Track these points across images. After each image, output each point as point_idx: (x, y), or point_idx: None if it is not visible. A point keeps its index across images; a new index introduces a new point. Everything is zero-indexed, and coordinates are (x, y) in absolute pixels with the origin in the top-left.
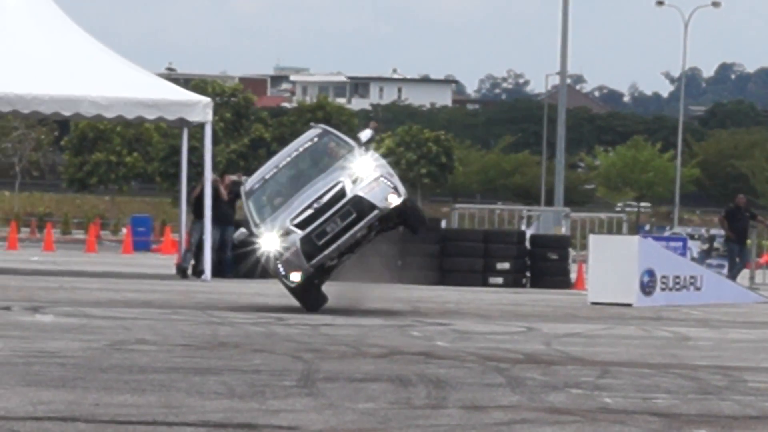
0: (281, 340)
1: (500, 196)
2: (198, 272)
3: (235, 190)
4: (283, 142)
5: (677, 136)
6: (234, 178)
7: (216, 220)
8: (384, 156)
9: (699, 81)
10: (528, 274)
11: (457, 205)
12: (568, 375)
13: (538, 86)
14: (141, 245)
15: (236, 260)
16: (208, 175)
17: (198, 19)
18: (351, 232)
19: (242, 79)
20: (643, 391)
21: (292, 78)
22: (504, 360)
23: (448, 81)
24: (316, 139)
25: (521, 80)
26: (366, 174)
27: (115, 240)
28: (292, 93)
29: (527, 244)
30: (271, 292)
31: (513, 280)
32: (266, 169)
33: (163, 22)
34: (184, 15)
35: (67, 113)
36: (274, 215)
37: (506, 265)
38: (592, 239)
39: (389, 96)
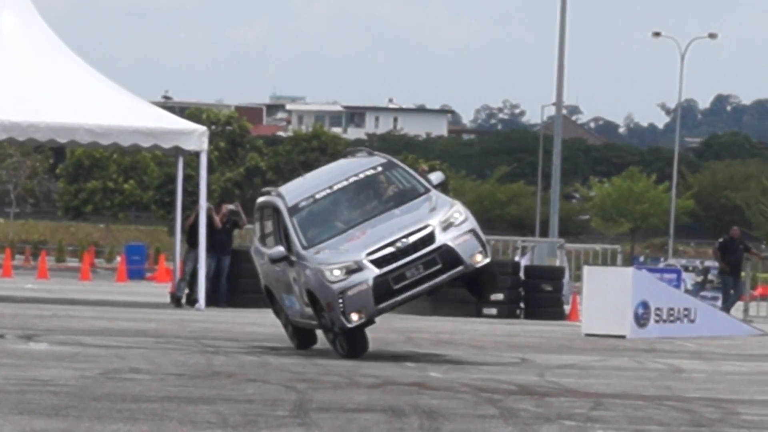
0: (275, 370)
1: (495, 227)
2: (192, 301)
3: (232, 219)
4: (279, 171)
5: (672, 168)
6: (231, 207)
7: (211, 248)
8: None
9: (695, 112)
10: (522, 305)
11: None
12: (562, 406)
13: (533, 117)
14: (135, 273)
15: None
16: (203, 204)
17: (194, 48)
18: (430, 283)
19: (238, 108)
20: (636, 423)
21: (288, 107)
22: (497, 391)
23: (443, 111)
24: (380, 168)
25: (517, 111)
26: (457, 223)
27: (110, 268)
28: (288, 122)
29: (521, 274)
30: (265, 321)
31: (507, 311)
32: (314, 187)
33: (159, 50)
34: (180, 43)
35: (62, 140)
36: (330, 242)
37: (500, 296)
38: (587, 271)
39: (385, 126)
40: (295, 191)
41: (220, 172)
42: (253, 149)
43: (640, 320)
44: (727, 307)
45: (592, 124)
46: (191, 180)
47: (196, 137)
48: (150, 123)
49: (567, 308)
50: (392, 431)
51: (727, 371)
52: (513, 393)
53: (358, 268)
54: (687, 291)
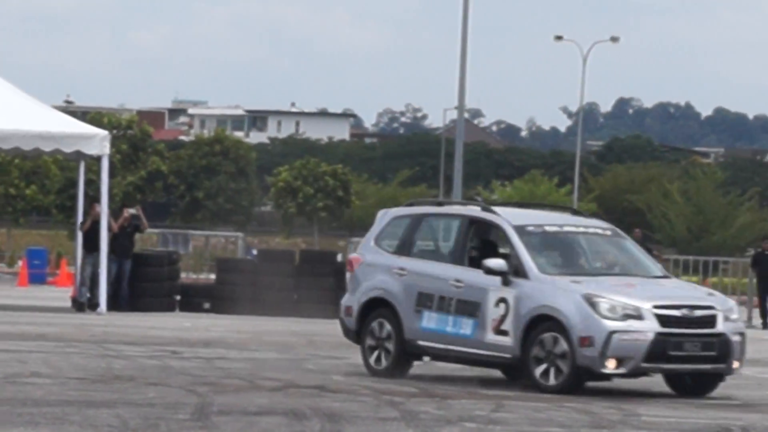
0: (176, 374)
1: None
2: (93, 305)
3: (133, 224)
4: (181, 175)
5: (574, 171)
6: (133, 211)
7: (113, 252)
8: (281, 190)
9: (597, 116)
10: None
11: (354, 239)
12: (463, 409)
13: (436, 120)
14: (36, 278)
15: None
16: (105, 208)
17: (96, 52)
18: (694, 366)
19: (140, 112)
20: (537, 425)
21: (190, 111)
22: (399, 394)
23: (346, 115)
24: (609, 233)
25: (419, 114)
26: (733, 319)
27: (11, 272)
28: (190, 126)
29: None
30: (167, 325)
31: None
32: (537, 218)
33: (61, 54)
34: (82, 47)
35: None
36: (583, 278)
37: None
38: None
39: (287, 129)
40: (509, 214)
41: (121, 176)
42: (155, 153)
43: None
44: None
45: (495, 128)
46: (93, 184)
47: (97, 141)
48: (51, 127)
49: None
50: None
51: None
52: (414, 396)
53: (639, 315)
54: None
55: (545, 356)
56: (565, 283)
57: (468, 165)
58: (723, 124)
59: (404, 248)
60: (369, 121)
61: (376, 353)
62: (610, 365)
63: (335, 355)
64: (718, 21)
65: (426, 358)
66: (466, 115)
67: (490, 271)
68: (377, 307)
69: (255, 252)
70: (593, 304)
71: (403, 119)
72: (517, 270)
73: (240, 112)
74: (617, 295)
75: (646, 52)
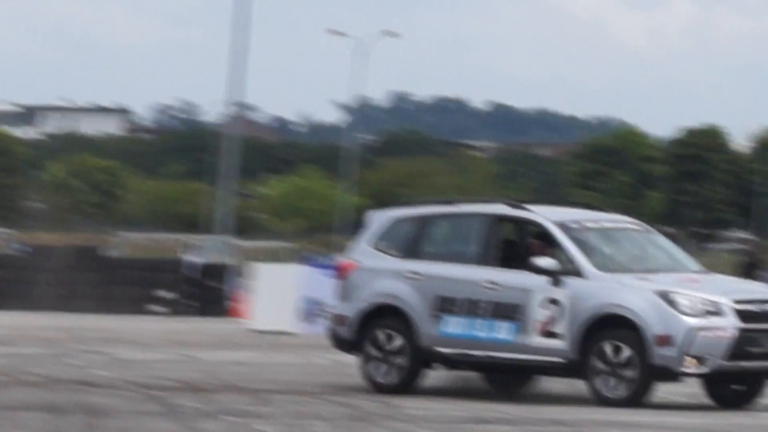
0: None
1: (168, 225)
2: None
3: None
4: None
5: (348, 165)
6: None
7: None
8: (53, 186)
9: (373, 110)
10: (192, 302)
11: (121, 233)
12: (226, 402)
13: (210, 115)
14: None
15: None
16: None
17: None
18: (766, 364)
19: None
20: (300, 418)
21: None
22: (162, 388)
23: (119, 110)
24: (641, 228)
25: (193, 109)
26: None
27: None
28: None
29: (191, 272)
30: None
31: (176, 308)
32: (577, 216)
33: None
34: None
35: None
36: (644, 274)
37: (169, 294)
38: (255, 267)
39: (60, 124)
40: (543, 210)
41: None
42: None
43: (310, 316)
44: None
45: (269, 122)
46: None
47: None
48: None
49: (235, 305)
50: (51, 429)
51: None
52: (177, 390)
53: (719, 311)
54: None
55: (611, 359)
56: (630, 280)
57: (242, 159)
58: (499, 119)
59: (414, 251)
60: (144, 116)
61: (383, 366)
62: (690, 365)
63: (99, 350)
64: (495, 15)
65: (437, 366)
66: (240, 109)
67: (540, 271)
68: (382, 315)
69: (29, 248)
70: (671, 301)
71: (178, 114)
72: (566, 269)
73: (10, 107)
74: (691, 290)
75: (423, 46)
